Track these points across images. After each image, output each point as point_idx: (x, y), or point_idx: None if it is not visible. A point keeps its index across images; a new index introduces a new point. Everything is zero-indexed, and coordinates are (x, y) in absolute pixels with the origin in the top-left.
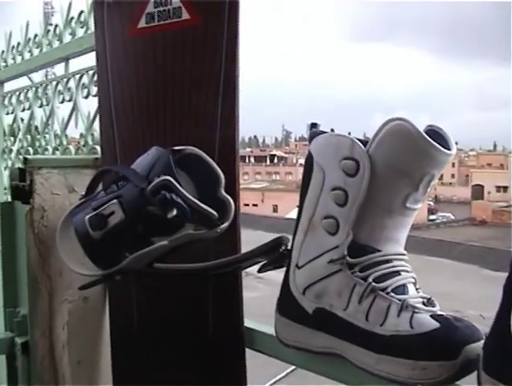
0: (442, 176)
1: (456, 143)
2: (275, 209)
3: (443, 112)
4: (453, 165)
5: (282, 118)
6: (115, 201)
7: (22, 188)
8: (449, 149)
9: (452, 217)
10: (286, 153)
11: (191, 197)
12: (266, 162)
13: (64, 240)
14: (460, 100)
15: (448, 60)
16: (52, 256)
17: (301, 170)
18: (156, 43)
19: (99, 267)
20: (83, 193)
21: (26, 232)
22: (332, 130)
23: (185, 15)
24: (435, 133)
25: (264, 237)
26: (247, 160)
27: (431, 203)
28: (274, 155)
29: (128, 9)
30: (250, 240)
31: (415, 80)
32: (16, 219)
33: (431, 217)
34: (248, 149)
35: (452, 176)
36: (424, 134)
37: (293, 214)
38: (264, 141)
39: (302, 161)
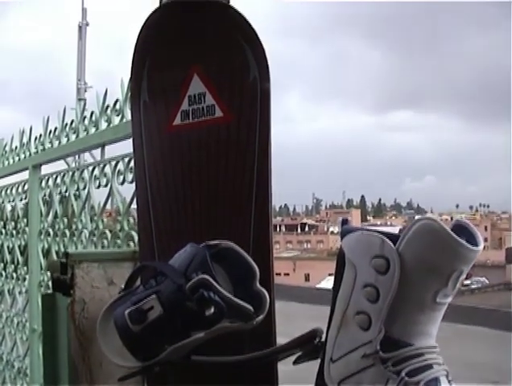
0: None
1: (488, 206)
2: (307, 278)
3: (474, 176)
4: (486, 228)
5: (312, 186)
6: (154, 296)
7: (63, 281)
8: (476, 245)
9: (487, 281)
10: (316, 221)
11: (228, 294)
12: (296, 230)
13: (104, 333)
14: (489, 162)
15: (476, 124)
16: (92, 348)
17: (332, 237)
18: (191, 140)
19: (138, 359)
20: (122, 286)
21: (68, 324)
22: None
23: (218, 113)
24: (462, 229)
25: (297, 309)
26: (278, 229)
27: None
28: (305, 223)
29: (163, 106)
30: (283, 312)
31: (445, 144)
32: (57, 310)
33: (466, 282)
34: (279, 218)
35: (485, 240)
36: (451, 232)
37: (325, 283)
38: (295, 209)
39: (333, 229)
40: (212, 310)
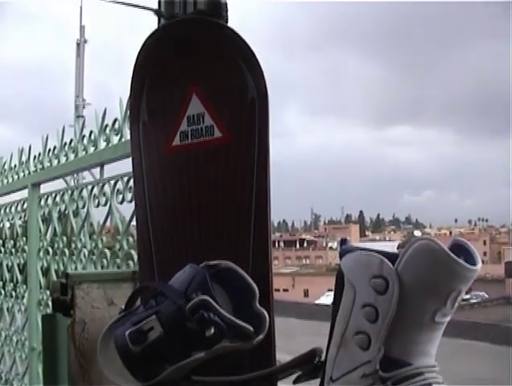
0: None
1: (487, 220)
2: (306, 293)
3: (472, 189)
4: (484, 242)
5: (310, 201)
6: (154, 317)
7: (63, 301)
8: (474, 265)
9: (486, 296)
10: (315, 236)
11: (228, 315)
12: (295, 246)
13: (104, 353)
14: (488, 176)
15: (474, 138)
16: (93, 368)
17: (331, 253)
18: (190, 159)
19: (138, 379)
20: (122, 307)
21: (68, 344)
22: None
23: (217, 133)
24: (460, 247)
25: (296, 324)
26: (277, 245)
27: None
28: (304, 239)
29: (163, 127)
30: (282, 328)
31: (443, 158)
32: (57, 330)
33: (465, 297)
34: (277, 234)
35: (484, 254)
36: (449, 252)
37: (324, 299)
38: (293, 225)
39: (331, 244)
40: (213, 330)
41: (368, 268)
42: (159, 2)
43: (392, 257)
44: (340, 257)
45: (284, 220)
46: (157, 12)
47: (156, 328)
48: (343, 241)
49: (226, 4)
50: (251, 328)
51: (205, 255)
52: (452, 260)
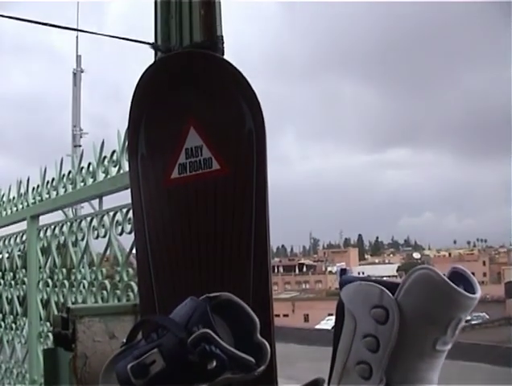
0: (473, 275)
1: (485, 240)
2: (306, 318)
3: (471, 210)
4: (484, 263)
5: (309, 226)
6: (156, 350)
7: (64, 335)
8: (474, 293)
9: (487, 317)
10: (314, 261)
11: (229, 348)
12: (294, 271)
13: None
14: (485, 196)
15: (472, 159)
16: None
17: (330, 277)
18: (189, 192)
19: None
20: (124, 340)
21: (70, 378)
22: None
23: (215, 165)
24: (460, 276)
25: (297, 350)
26: (276, 270)
27: None
28: (303, 264)
29: (161, 160)
30: (283, 354)
31: (441, 180)
32: (59, 365)
33: (466, 318)
34: (276, 259)
35: (484, 275)
36: (449, 282)
37: (325, 323)
38: (292, 249)
39: (331, 268)
40: (215, 363)
41: (368, 299)
42: (156, 35)
43: (392, 287)
44: (341, 287)
45: (283, 245)
46: (154, 46)
47: (158, 361)
48: (343, 271)
49: (222, 37)
50: (253, 360)
51: (205, 286)
52: (451, 289)
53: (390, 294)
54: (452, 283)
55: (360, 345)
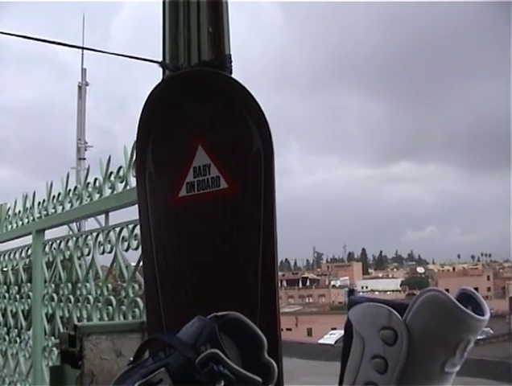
0: (477, 290)
1: (490, 255)
2: (309, 333)
3: (475, 224)
4: (488, 278)
5: (312, 240)
6: (163, 369)
7: (71, 353)
8: (483, 315)
9: (491, 332)
10: (318, 275)
11: (237, 367)
12: (298, 285)
13: None
14: (489, 210)
15: (475, 172)
16: None
17: (334, 291)
18: (197, 210)
19: None
20: (131, 358)
21: None
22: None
23: (223, 184)
24: (469, 297)
25: (300, 365)
26: (279, 284)
27: None
28: (307, 278)
29: (169, 178)
30: (285, 369)
31: (445, 194)
32: (65, 382)
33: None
34: (280, 273)
35: (488, 289)
36: (458, 304)
37: (328, 338)
38: (295, 263)
39: (334, 282)
40: (223, 383)
41: (376, 320)
42: (164, 53)
43: (400, 308)
44: (349, 308)
45: (286, 259)
46: (162, 64)
47: (165, 380)
48: (351, 291)
49: (230, 55)
50: (260, 380)
51: (213, 305)
52: (460, 311)
53: (398, 316)
54: (460, 305)
55: (368, 366)
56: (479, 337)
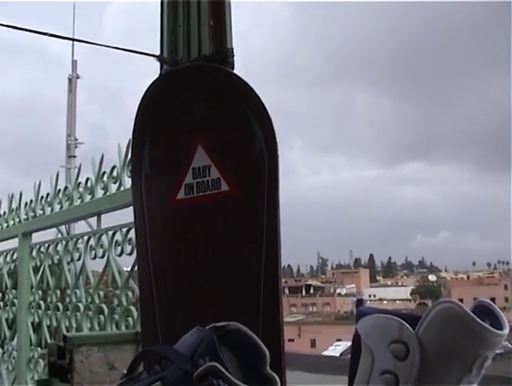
0: (494, 300)
1: (507, 263)
2: (313, 344)
3: (491, 230)
4: (506, 287)
5: (317, 244)
6: (159, 383)
7: (60, 366)
8: (501, 329)
9: (510, 346)
10: (322, 282)
11: (238, 382)
12: (301, 292)
13: None
14: (508, 215)
15: (492, 174)
16: None
17: (339, 299)
18: (196, 213)
19: None
20: (124, 371)
21: None
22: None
23: (224, 186)
24: (486, 310)
25: (303, 378)
26: None
27: None
28: (310, 285)
29: (166, 179)
30: (288, 381)
31: (459, 196)
32: None
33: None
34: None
35: (506, 300)
36: (474, 317)
37: (333, 350)
38: (299, 270)
39: (340, 290)
40: None
41: (386, 332)
42: (162, 46)
43: (412, 320)
44: (357, 320)
45: (289, 265)
46: (160, 58)
47: None
48: (359, 302)
49: (232, 49)
50: None
51: (212, 313)
52: (477, 325)
53: (410, 328)
54: (477, 318)
55: (377, 381)
56: (497, 351)
